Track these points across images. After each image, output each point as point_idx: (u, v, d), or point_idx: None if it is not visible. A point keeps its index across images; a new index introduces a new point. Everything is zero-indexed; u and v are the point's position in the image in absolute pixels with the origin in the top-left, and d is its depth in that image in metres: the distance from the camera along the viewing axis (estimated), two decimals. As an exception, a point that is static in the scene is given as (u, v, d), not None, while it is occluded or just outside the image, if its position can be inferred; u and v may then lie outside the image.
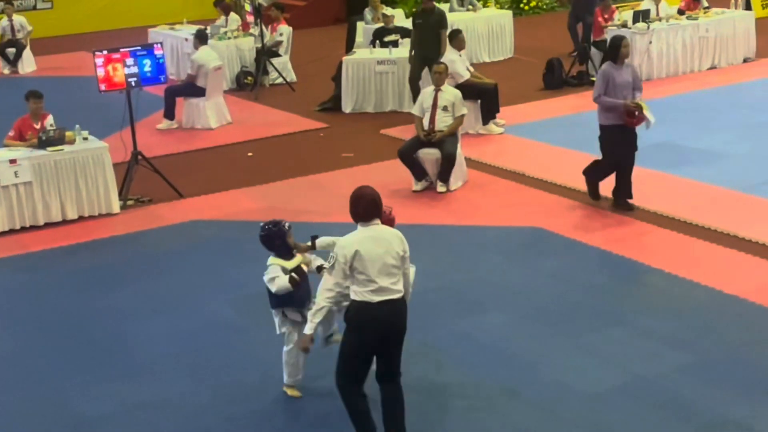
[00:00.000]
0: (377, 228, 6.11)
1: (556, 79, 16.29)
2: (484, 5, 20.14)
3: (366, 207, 6.08)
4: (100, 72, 11.13)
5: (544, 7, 24.81)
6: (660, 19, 17.17)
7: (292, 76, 17.66)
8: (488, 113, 13.71)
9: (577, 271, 8.97)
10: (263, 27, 17.24)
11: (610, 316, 8.05)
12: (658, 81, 16.24)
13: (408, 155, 11.37)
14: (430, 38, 14.01)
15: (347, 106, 15.34)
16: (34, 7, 24.24)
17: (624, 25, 16.54)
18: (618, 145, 10.18)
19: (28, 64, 20.07)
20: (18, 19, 20.11)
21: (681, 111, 14.13)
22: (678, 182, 11.23)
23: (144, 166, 11.53)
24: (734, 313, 8.05)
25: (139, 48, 11.44)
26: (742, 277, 8.75)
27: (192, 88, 14.61)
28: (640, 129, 10.25)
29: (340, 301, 6.31)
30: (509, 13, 19.93)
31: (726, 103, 14.87)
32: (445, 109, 11.48)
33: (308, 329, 6.32)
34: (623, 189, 10.39)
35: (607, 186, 10.54)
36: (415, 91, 14.09)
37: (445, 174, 11.27)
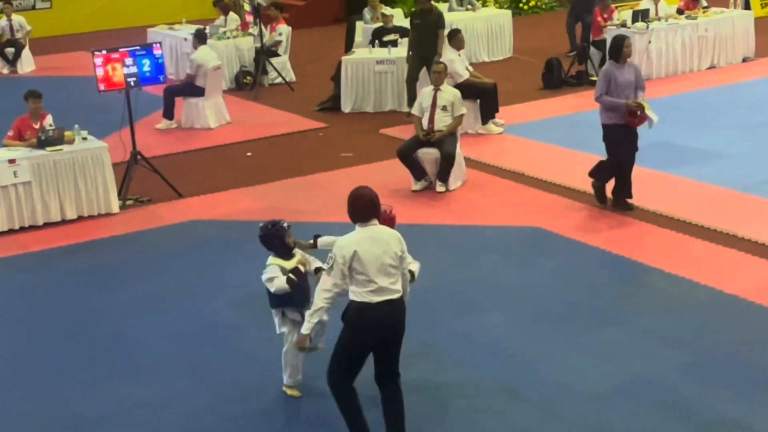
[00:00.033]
0: (375, 228, 6.11)
1: (555, 79, 16.29)
2: (483, 5, 20.15)
3: (364, 207, 6.08)
4: (99, 72, 11.13)
5: (543, 6, 24.81)
6: (659, 19, 17.18)
7: (291, 76, 17.66)
8: (487, 113, 13.72)
9: (576, 271, 8.98)
10: (262, 27, 17.24)
11: (609, 315, 8.05)
12: (657, 81, 16.24)
13: (407, 155, 11.37)
14: (428, 38, 14.02)
15: (346, 106, 15.34)
16: (33, 7, 24.22)
17: (623, 25, 16.55)
18: (621, 144, 10.16)
19: (27, 63, 20.06)
20: (17, 18, 20.10)
21: (680, 111, 14.13)
22: (677, 182, 11.23)
23: (143, 166, 11.53)
24: (734, 313, 8.05)
25: (138, 48, 11.43)
26: (741, 276, 8.76)
27: (191, 88, 14.61)
28: (642, 128, 10.23)
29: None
30: (508, 12, 19.93)
31: (725, 102, 14.88)
32: (444, 108, 11.48)
33: (305, 329, 6.33)
34: (623, 189, 10.39)
35: (606, 186, 10.54)
36: (411, 94, 14.10)
37: (444, 174, 11.27)
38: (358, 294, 6.03)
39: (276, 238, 6.86)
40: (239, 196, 11.51)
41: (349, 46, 17.81)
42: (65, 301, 8.85)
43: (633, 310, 8.13)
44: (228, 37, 17.54)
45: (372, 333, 6.06)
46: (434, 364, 7.33)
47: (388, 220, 6.53)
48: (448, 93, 11.59)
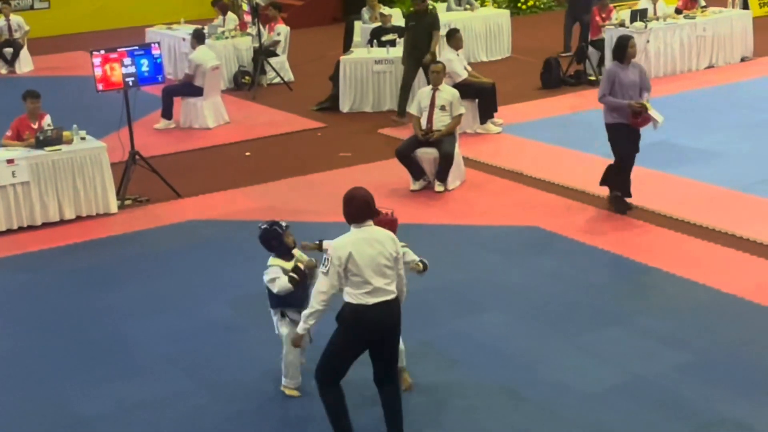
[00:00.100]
0: (370, 229, 6.12)
1: (554, 79, 16.28)
2: (482, 4, 20.13)
3: (358, 208, 6.09)
4: (98, 72, 11.11)
5: (542, 6, 24.80)
6: (657, 18, 17.18)
7: (289, 76, 17.64)
8: (486, 112, 13.72)
9: (575, 271, 8.97)
10: (261, 26, 17.22)
11: (608, 315, 8.05)
12: (656, 80, 16.16)
13: (406, 155, 11.36)
14: (424, 40, 14.00)
15: (345, 106, 15.33)
16: (32, 7, 24.17)
17: (621, 24, 16.53)
18: (625, 143, 10.11)
19: (25, 63, 20.03)
20: (15, 18, 20.07)
21: (678, 110, 14.12)
22: (676, 181, 11.23)
23: (142, 166, 11.52)
24: (733, 312, 8.05)
25: (136, 48, 11.42)
26: (740, 276, 8.76)
27: (189, 88, 14.60)
28: (648, 129, 10.18)
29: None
30: (507, 12, 19.92)
31: (724, 102, 14.88)
32: (442, 108, 11.48)
33: (301, 329, 6.34)
34: (622, 188, 10.37)
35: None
36: (403, 103, 14.06)
37: (443, 173, 11.27)
38: (353, 296, 6.03)
39: (275, 239, 6.86)
40: (238, 196, 11.51)
41: (347, 46, 17.79)
42: (64, 301, 8.85)
43: (632, 310, 8.13)
44: (226, 37, 17.52)
45: (367, 334, 6.07)
46: (434, 364, 7.33)
47: (389, 223, 6.52)
48: (447, 93, 11.59)
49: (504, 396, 6.88)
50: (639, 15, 16.68)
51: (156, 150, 12.98)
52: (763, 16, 21.03)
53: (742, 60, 17.65)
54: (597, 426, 6.47)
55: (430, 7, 14.69)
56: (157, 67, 11.48)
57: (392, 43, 15.91)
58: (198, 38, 14.90)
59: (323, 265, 6.10)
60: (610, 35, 16.34)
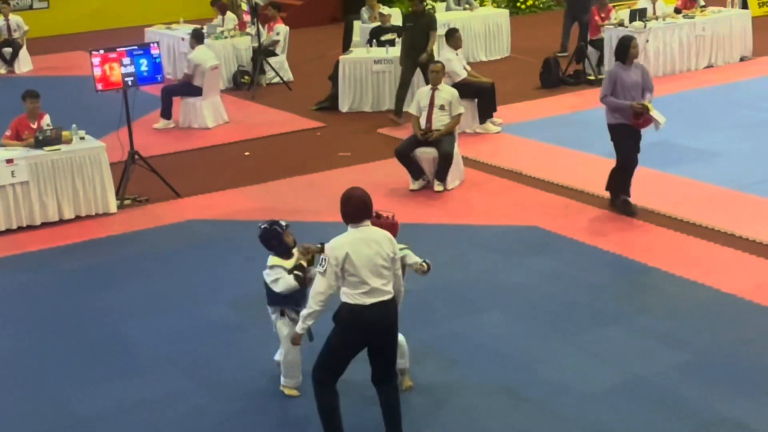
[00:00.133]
0: (367, 229, 6.12)
1: (553, 78, 16.29)
2: (481, 4, 20.12)
3: (356, 208, 6.09)
4: (97, 71, 11.11)
5: (541, 6, 24.82)
6: (656, 18, 17.19)
7: (289, 76, 17.64)
8: (485, 112, 13.72)
9: (574, 270, 8.97)
10: (260, 26, 17.22)
11: (607, 315, 8.05)
12: (655, 80, 15.89)
13: (405, 154, 11.36)
14: (422, 41, 14.00)
15: (344, 106, 15.33)
16: (31, 7, 24.17)
17: (621, 24, 16.55)
18: (628, 143, 10.08)
19: (24, 63, 20.03)
20: (14, 18, 20.07)
21: (678, 110, 14.11)
22: (675, 181, 11.24)
23: (141, 166, 11.52)
24: (731, 312, 8.06)
25: (135, 47, 11.41)
26: (739, 275, 8.76)
27: (189, 88, 14.60)
28: (647, 129, 10.16)
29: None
30: (506, 12, 19.92)
31: (723, 101, 14.89)
32: (442, 108, 11.47)
33: (299, 329, 6.35)
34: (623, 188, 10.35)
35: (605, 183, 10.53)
36: (399, 104, 14.05)
37: (442, 173, 11.27)
38: (350, 296, 6.03)
39: (275, 238, 6.87)
40: (237, 196, 11.50)
41: (346, 46, 17.80)
42: (63, 300, 8.84)
43: (632, 310, 8.13)
44: (225, 37, 17.53)
45: (364, 334, 6.08)
46: (434, 364, 7.33)
47: (390, 227, 6.51)
48: (446, 92, 11.59)
49: (504, 396, 6.88)
50: (638, 14, 16.69)
51: (155, 150, 12.97)
52: (762, 16, 21.04)
53: (741, 59, 17.66)
54: (597, 426, 6.47)
55: (428, 7, 14.69)
56: (156, 66, 11.48)
57: (391, 43, 15.91)
58: (197, 38, 14.90)
59: (320, 265, 6.11)
60: (609, 35, 16.37)
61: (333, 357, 6.16)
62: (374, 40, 16.16)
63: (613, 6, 17.89)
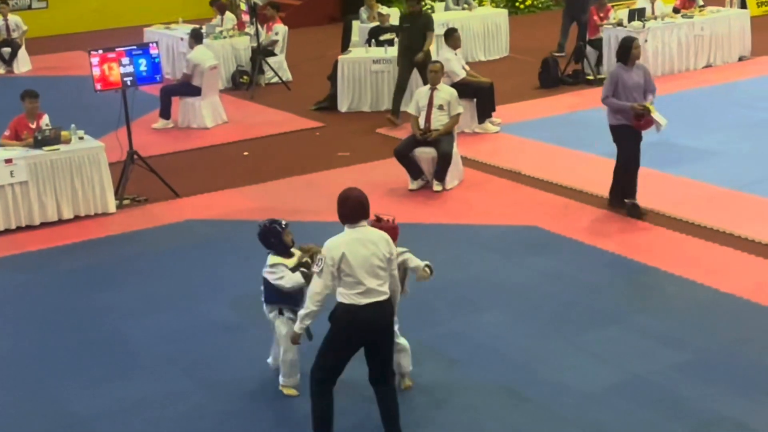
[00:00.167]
0: (364, 230, 6.13)
1: (552, 78, 16.29)
2: (480, 4, 20.13)
3: (352, 209, 6.10)
4: (96, 71, 11.11)
5: (540, 5, 24.82)
6: (655, 18, 17.19)
7: (287, 76, 17.64)
8: (484, 112, 13.71)
9: (573, 270, 8.98)
10: (259, 26, 17.22)
11: (607, 314, 8.06)
12: (654, 79, 16.20)
13: (404, 154, 11.36)
14: (419, 41, 13.99)
15: (343, 105, 15.33)
16: (29, 7, 24.16)
17: (619, 24, 16.56)
18: (629, 144, 10.07)
19: (23, 63, 20.02)
20: (13, 18, 20.06)
21: (676, 109, 14.09)
22: (674, 181, 11.24)
23: (140, 166, 11.51)
24: (730, 311, 8.06)
25: (134, 47, 11.41)
26: (738, 275, 8.77)
27: (188, 88, 14.60)
28: (649, 131, 10.14)
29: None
30: (505, 11, 19.92)
31: (721, 101, 14.89)
32: (440, 107, 11.47)
33: (297, 328, 6.36)
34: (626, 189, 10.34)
35: (606, 185, 10.49)
36: (397, 105, 14.04)
37: (441, 173, 11.27)
38: (345, 296, 6.04)
39: (274, 236, 6.88)
40: (236, 196, 11.50)
41: (345, 46, 17.80)
42: (63, 300, 8.84)
43: (631, 310, 8.13)
44: (224, 37, 17.52)
45: (359, 334, 6.08)
46: (433, 364, 7.33)
47: (391, 230, 6.51)
48: (445, 92, 11.58)
49: (504, 396, 6.89)
50: (637, 14, 16.69)
51: (154, 150, 12.97)
52: (760, 16, 21.05)
53: (740, 59, 17.67)
54: (596, 425, 6.48)
55: (426, 8, 14.68)
56: (155, 66, 11.47)
57: (390, 43, 15.90)
58: (196, 38, 14.90)
59: (317, 265, 6.12)
60: (607, 35, 16.39)
61: (331, 357, 6.17)
62: (373, 40, 16.15)
63: (612, 6, 17.90)
